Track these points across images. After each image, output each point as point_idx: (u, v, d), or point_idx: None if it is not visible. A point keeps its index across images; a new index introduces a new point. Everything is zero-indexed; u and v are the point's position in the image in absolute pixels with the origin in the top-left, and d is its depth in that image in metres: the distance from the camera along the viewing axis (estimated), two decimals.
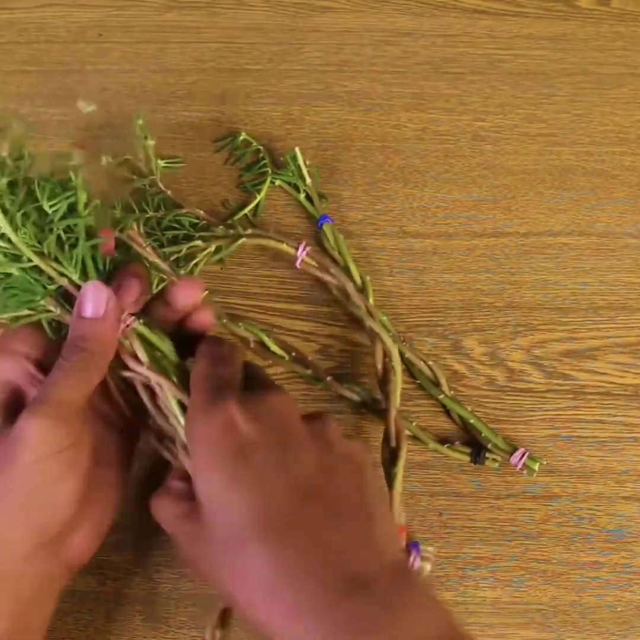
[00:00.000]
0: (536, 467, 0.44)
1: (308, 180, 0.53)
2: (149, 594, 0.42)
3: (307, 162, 0.53)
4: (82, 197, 0.34)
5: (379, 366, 0.47)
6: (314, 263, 0.50)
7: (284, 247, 0.50)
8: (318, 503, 0.30)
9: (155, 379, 0.34)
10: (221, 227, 0.51)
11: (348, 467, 0.32)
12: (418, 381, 0.48)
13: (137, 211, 0.51)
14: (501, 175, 0.56)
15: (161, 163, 0.54)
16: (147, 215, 0.51)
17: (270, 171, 0.54)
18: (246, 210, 0.53)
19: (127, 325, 0.34)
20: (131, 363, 0.34)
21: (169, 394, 0.34)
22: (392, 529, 0.34)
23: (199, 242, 0.49)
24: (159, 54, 0.61)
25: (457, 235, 0.53)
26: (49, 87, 0.59)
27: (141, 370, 0.34)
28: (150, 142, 0.53)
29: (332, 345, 0.49)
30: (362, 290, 0.49)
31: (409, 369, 0.48)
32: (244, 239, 0.50)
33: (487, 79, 0.60)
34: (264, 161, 0.55)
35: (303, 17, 0.63)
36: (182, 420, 0.33)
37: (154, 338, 0.35)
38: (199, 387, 0.33)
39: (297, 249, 0.49)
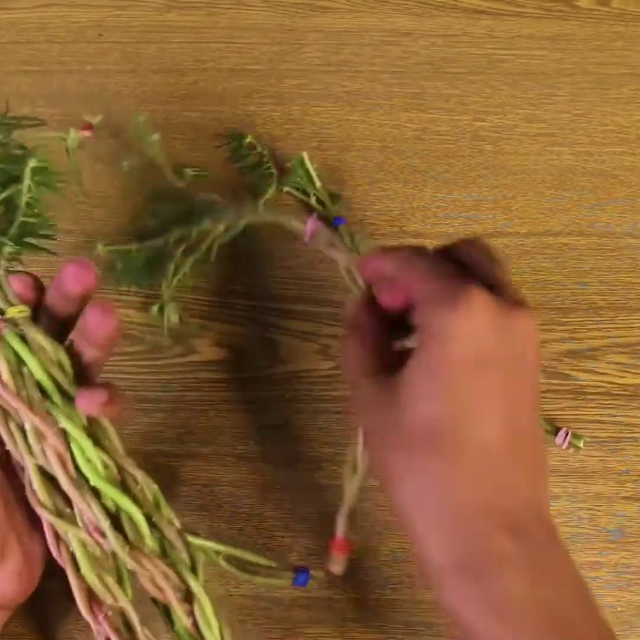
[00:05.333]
0: (581, 443, 0.45)
1: (318, 184, 0.53)
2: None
3: (314, 166, 0.53)
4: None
5: None
6: (324, 239, 0.47)
7: (293, 222, 0.45)
8: (518, 441, 0.29)
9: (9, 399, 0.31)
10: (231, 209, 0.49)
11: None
12: None
13: (153, 210, 0.50)
14: (501, 175, 0.56)
15: (190, 172, 0.53)
16: (166, 210, 0.49)
17: (274, 174, 0.54)
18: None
19: None
20: None
21: (25, 417, 0.31)
22: None
23: (207, 224, 0.47)
24: (159, 54, 0.61)
25: (457, 235, 0.53)
26: (49, 87, 0.59)
27: None
28: (155, 137, 0.52)
29: (332, 345, 0.49)
30: None
31: None
32: (249, 218, 0.47)
33: (487, 79, 0.60)
34: (267, 164, 0.54)
35: (303, 17, 0.63)
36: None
37: (23, 352, 0.31)
38: (441, 273, 0.31)
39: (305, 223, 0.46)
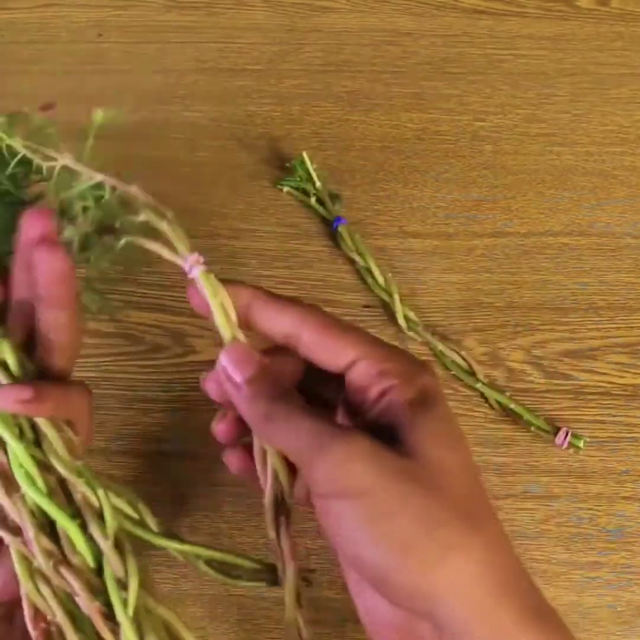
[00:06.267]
0: (581, 443, 0.45)
1: (318, 183, 0.53)
2: None
3: (314, 166, 0.53)
4: None
5: None
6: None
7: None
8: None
9: None
10: None
11: None
12: (452, 372, 0.48)
13: None
14: (501, 175, 0.56)
15: None
16: None
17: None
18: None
19: None
20: None
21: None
22: None
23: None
24: (159, 54, 0.61)
25: (457, 235, 0.53)
26: (49, 87, 0.59)
27: None
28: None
29: None
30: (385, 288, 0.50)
31: (441, 361, 0.48)
32: None
33: (487, 79, 0.60)
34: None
35: (303, 17, 0.63)
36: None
37: None
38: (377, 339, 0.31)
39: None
